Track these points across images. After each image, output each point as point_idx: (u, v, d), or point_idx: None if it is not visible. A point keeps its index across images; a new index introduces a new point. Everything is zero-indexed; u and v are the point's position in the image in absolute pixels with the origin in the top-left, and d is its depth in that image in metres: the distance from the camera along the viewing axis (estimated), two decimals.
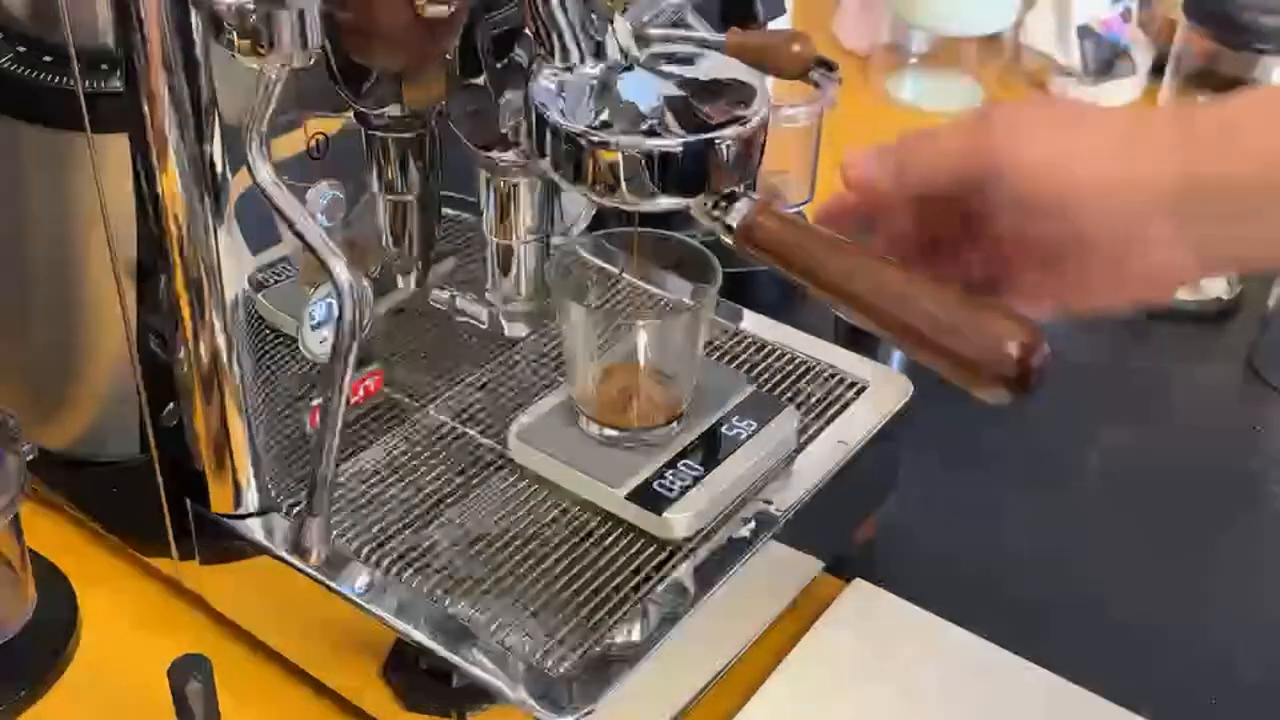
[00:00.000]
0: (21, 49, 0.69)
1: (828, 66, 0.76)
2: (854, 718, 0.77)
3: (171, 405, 0.73)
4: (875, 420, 0.82)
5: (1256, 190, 0.52)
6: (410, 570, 0.72)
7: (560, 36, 0.61)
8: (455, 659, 0.67)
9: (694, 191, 0.60)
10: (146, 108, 0.63)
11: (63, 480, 0.86)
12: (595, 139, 0.59)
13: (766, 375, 0.85)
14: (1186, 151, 0.53)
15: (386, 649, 0.70)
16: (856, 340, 0.94)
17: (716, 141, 0.59)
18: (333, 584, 0.71)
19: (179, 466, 0.75)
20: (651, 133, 0.59)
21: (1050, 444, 0.97)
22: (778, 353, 0.87)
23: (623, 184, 0.60)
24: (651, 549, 0.73)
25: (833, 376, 0.85)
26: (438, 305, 0.75)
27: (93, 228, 0.70)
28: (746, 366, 0.86)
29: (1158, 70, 1.41)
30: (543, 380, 0.85)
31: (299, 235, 0.60)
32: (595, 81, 0.62)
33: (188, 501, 0.76)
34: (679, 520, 0.73)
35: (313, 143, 0.69)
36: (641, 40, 0.65)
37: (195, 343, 0.69)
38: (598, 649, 0.68)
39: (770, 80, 0.67)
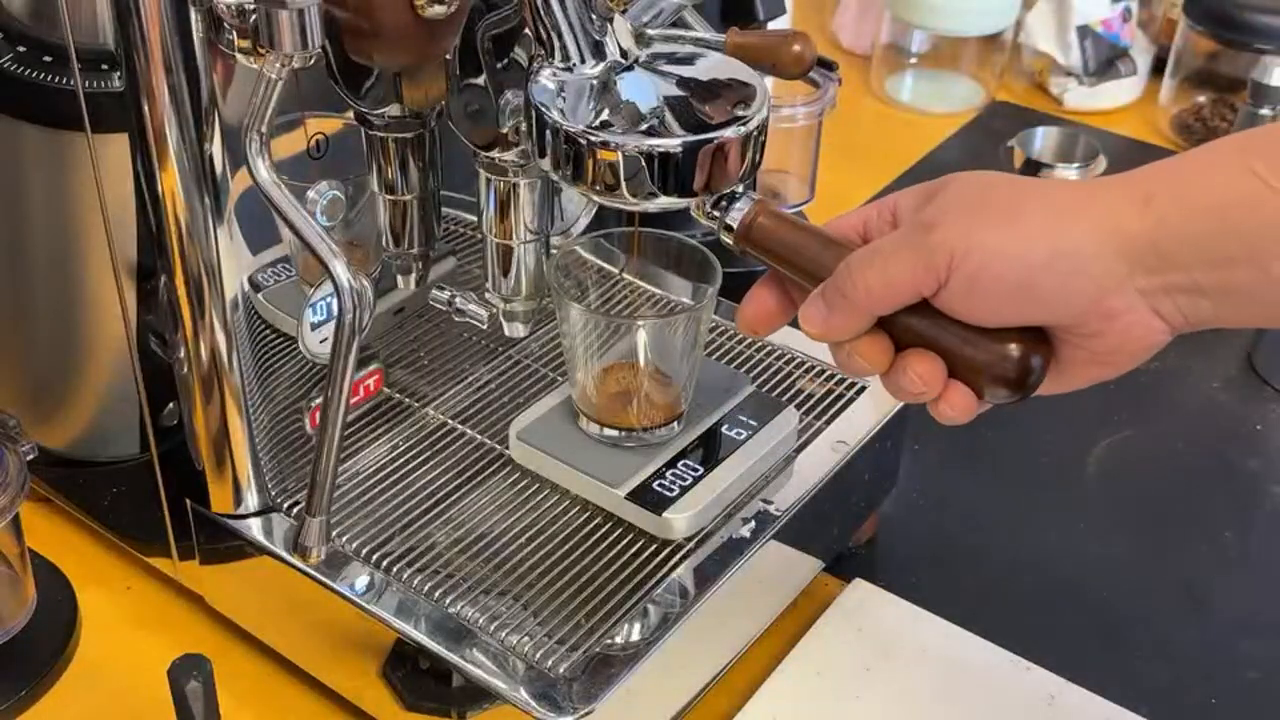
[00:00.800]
0: (21, 49, 0.69)
1: (828, 66, 0.76)
2: (854, 717, 0.77)
3: (171, 405, 0.73)
4: (875, 420, 0.82)
5: (1216, 237, 0.51)
6: (410, 570, 0.72)
7: (560, 36, 0.61)
8: (455, 659, 0.67)
9: (694, 191, 0.60)
10: (146, 108, 0.63)
11: (63, 480, 0.86)
12: (595, 139, 0.59)
13: (766, 375, 0.85)
14: (1148, 206, 0.52)
15: (386, 649, 0.70)
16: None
17: (716, 141, 0.59)
18: (333, 584, 0.71)
19: (179, 466, 0.75)
20: (651, 133, 0.59)
21: (1050, 444, 0.97)
22: (778, 353, 0.87)
23: (623, 184, 0.60)
24: (651, 549, 0.73)
25: (833, 376, 0.85)
26: (438, 305, 0.75)
27: (93, 228, 0.70)
28: (746, 366, 0.86)
29: (1158, 70, 1.41)
30: (543, 380, 0.85)
31: (299, 235, 0.60)
32: (595, 81, 0.62)
33: (188, 501, 0.76)
34: (679, 520, 0.73)
35: (313, 143, 0.69)
36: (641, 40, 0.65)
37: (195, 342, 0.70)
38: (598, 649, 0.68)
39: (770, 80, 0.67)
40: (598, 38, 0.62)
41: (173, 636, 0.82)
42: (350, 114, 0.69)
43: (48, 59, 0.68)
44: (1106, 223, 0.52)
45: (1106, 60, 1.38)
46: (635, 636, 0.69)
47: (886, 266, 0.55)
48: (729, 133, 0.59)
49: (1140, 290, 0.52)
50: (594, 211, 0.77)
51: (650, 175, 0.59)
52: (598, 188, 0.60)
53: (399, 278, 0.75)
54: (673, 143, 0.59)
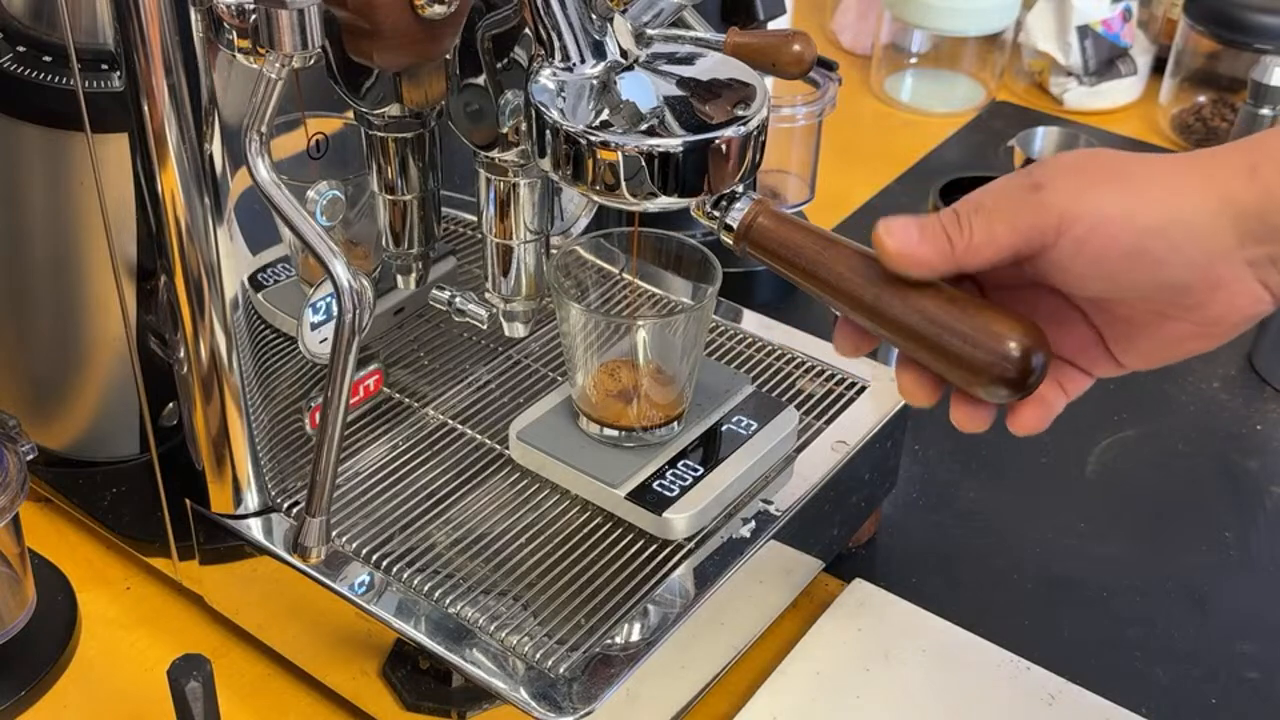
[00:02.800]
0: (21, 49, 0.69)
1: (828, 66, 0.76)
2: (854, 717, 0.77)
3: (171, 405, 0.73)
4: (875, 420, 0.82)
5: None
6: (410, 570, 0.72)
7: (560, 36, 0.61)
8: (455, 659, 0.67)
9: (694, 191, 0.60)
10: (146, 108, 0.63)
11: (63, 480, 0.86)
12: (595, 139, 0.59)
13: (766, 375, 0.85)
14: (1255, 176, 0.52)
15: (386, 649, 0.70)
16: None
17: (716, 141, 0.59)
18: (333, 584, 0.71)
19: (179, 467, 0.75)
20: (651, 133, 0.59)
21: (1050, 444, 0.97)
22: (778, 352, 0.87)
23: (623, 184, 0.60)
24: (651, 549, 0.73)
25: (833, 376, 0.85)
26: (438, 305, 0.75)
27: (93, 228, 0.70)
28: (746, 366, 0.86)
29: (1158, 70, 1.41)
30: (543, 380, 0.85)
31: (299, 235, 0.60)
32: (595, 81, 0.62)
33: (188, 501, 0.76)
34: (679, 520, 0.73)
35: (313, 143, 0.69)
36: (641, 40, 0.65)
37: (195, 342, 0.70)
38: (598, 649, 0.68)
39: (770, 80, 0.67)
40: (598, 38, 0.62)
41: (173, 636, 0.82)
42: (350, 114, 0.69)
43: (48, 59, 0.68)
44: (1216, 192, 0.52)
45: (1106, 60, 1.39)
46: (635, 636, 0.69)
47: (992, 221, 0.53)
48: (729, 133, 0.59)
49: (1247, 260, 0.52)
50: (594, 211, 0.77)
51: (650, 175, 0.59)
52: (598, 188, 0.60)
53: (399, 278, 0.75)
54: (673, 143, 0.59)
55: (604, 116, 0.60)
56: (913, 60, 1.44)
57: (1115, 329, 0.57)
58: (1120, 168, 0.53)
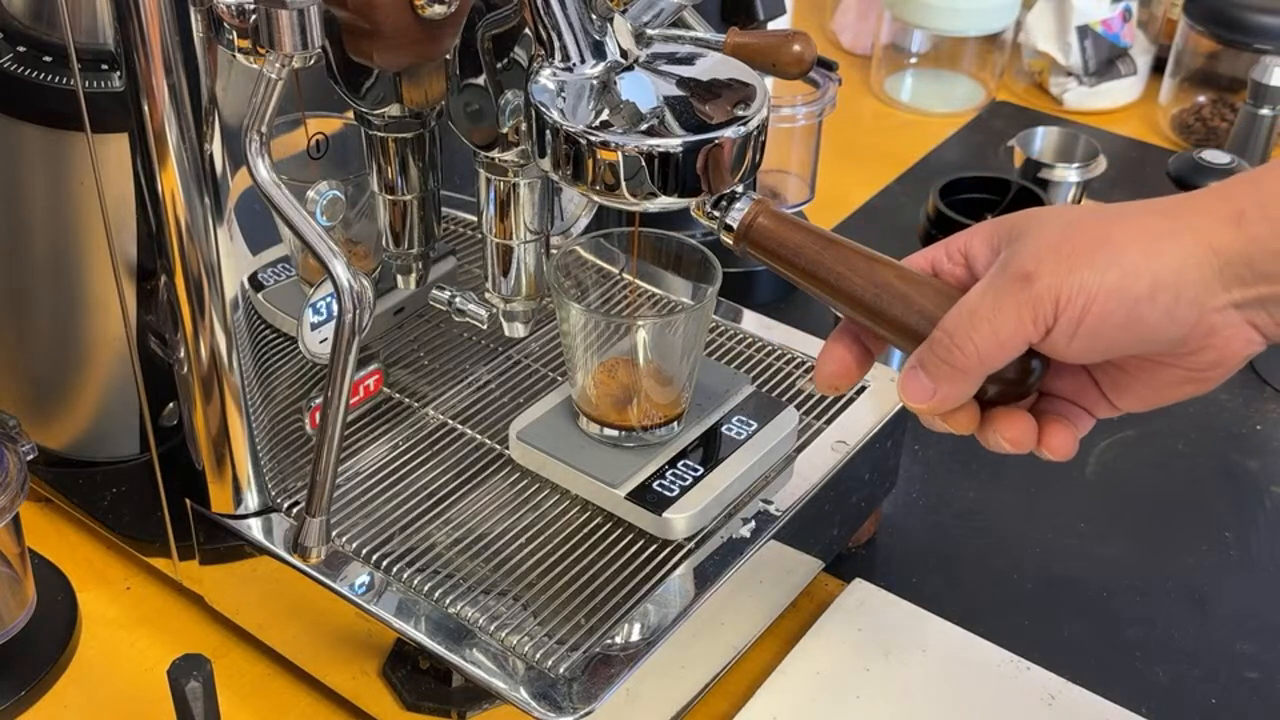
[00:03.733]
0: (21, 49, 0.69)
1: (828, 66, 0.76)
2: (854, 717, 0.77)
3: (171, 405, 0.73)
4: (875, 420, 0.82)
5: None
6: (410, 570, 0.72)
7: (560, 36, 0.61)
8: (455, 659, 0.67)
9: (694, 191, 0.60)
10: (146, 108, 0.63)
11: (63, 480, 0.86)
12: (595, 139, 0.59)
13: (766, 375, 0.85)
14: (1241, 224, 0.52)
15: (386, 649, 0.70)
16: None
17: (716, 141, 0.59)
18: (333, 584, 0.71)
19: (179, 466, 0.75)
20: (651, 133, 0.59)
21: None
22: (778, 352, 0.87)
23: (623, 184, 0.60)
24: (651, 549, 0.73)
25: None
26: (438, 305, 0.75)
27: (93, 228, 0.70)
28: (746, 366, 0.86)
29: (1158, 70, 1.41)
30: (543, 380, 0.85)
31: (299, 235, 0.60)
32: (595, 81, 0.62)
33: (188, 501, 0.76)
34: (679, 520, 0.73)
35: (313, 143, 0.69)
36: (641, 40, 0.65)
37: (195, 343, 0.70)
38: (598, 649, 0.68)
39: (770, 80, 0.67)
40: (598, 38, 0.62)
41: (173, 636, 0.82)
42: (350, 114, 0.69)
43: (48, 59, 0.68)
44: (1201, 243, 0.52)
45: (1106, 60, 1.39)
46: (635, 636, 0.69)
47: (995, 325, 0.54)
48: (729, 133, 0.59)
49: (1236, 305, 0.53)
50: (594, 211, 0.77)
51: (650, 175, 0.59)
52: (598, 188, 0.60)
53: (399, 278, 0.75)
54: (673, 143, 0.59)
55: (604, 116, 0.60)
56: (913, 60, 1.44)
57: (1109, 377, 0.58)
58: (1102, 236, 0.53)
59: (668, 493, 0.73)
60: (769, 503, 0.76)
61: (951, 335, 0.55)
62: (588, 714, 0.65)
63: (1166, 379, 0.56)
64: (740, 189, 0.62)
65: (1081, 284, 0.52)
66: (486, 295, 0.73)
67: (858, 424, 0.82)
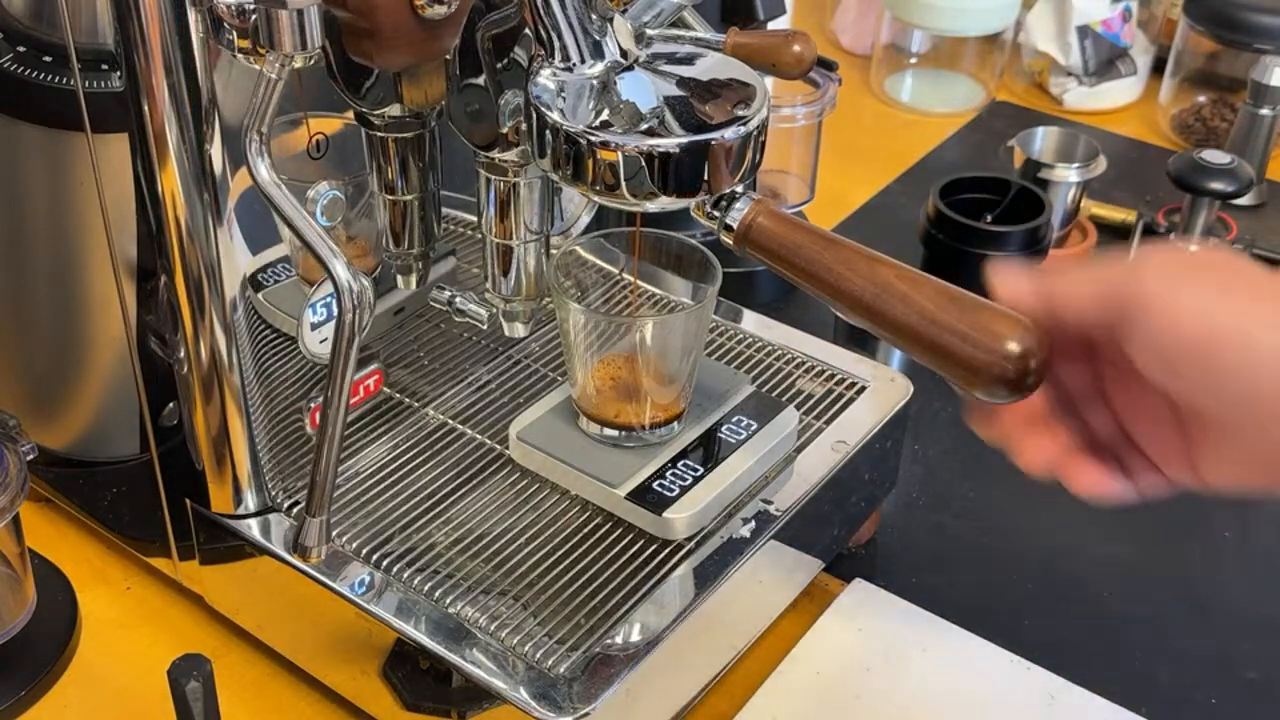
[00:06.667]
0: (21, 49, 0.69)
1: (828, 66, 0.76)
2: (854, 717, 0.77)
3: (171, 405, 0.73)
4: (875, 420, 0.82)
5: None
6: (410, 570, 0.72)
7: (560, 36, 0.61)
8: (455, 659, 0.67)
9: (694, 191, 0.60)
10: (146, 108, 0.63)
11: (63, 480, 0.86)
12: (595, 139, 0.59)
13: (766, 375, 0.85)
14: None
15: (386, 649, 0.70)
16: (856, 340, 0.94)
17: (716, 141, 0.59)
18: (333, 584, 0.71)
19: (179, 466, 0.75)
20: (651, 133, 0.59)
21: None
22: (778, 353, 0.87)
23: (623, 184, 0.60)
24: (651, 549, 0.73)
25: (833, 376, 0.85)
26: (438, 305, 0.75)
27: (93, 228, 0.71)
28: (746, 366, 0.86)
29: (1158, 70, 1.41)
30: (543, 380, 0.85)
31: (299, 235, 0.60)
32: (595, 81, 0.62)
33: (188, 501, 0.76)
34: (679, 520, 0.73)
35: (313, 143, 0.69)
36: (641, 40, 0.65)
37: (195, 342, 0.70)
38: (598, 649, 0.68)
39: (770, 80, 0.67)
40: (598, 38, 0.62)
41: (173, 636, 0.82)
42: (350, 114, 0.69)
43: (48, 59, 0.68)
44: None
45: (1106, 60, 1.39)
46: (635, 636, 0.69)
47: (1087, 275, 0.52)
48: (729, 133, 0.59)
49: None
50: (594, 211, 0.77)
51: (650, 175, 0.59)
52: (598, 188, 0.60)
53: (399, 278, 0.75)
54: (672, 143, 0.59)
55: (604, 116, 0.60)
56: (913, 60, 1.44)
57: (1200, 430, 0.52)
58: (1224, 267, 0.50)
59: (668, 493, 0.73)
60: (769, 503, 0.76)
61: (1064, 267, 0.53)
62: (588, 714, 0.65)
63: (1226, 455, 0.51)
64: (740, 189, 0.62)
65: (1173, 289, 0.49)
66: (486, 295, 0.73)
67: (858, 424, 0.82)
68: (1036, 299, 0.54)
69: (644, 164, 0.59)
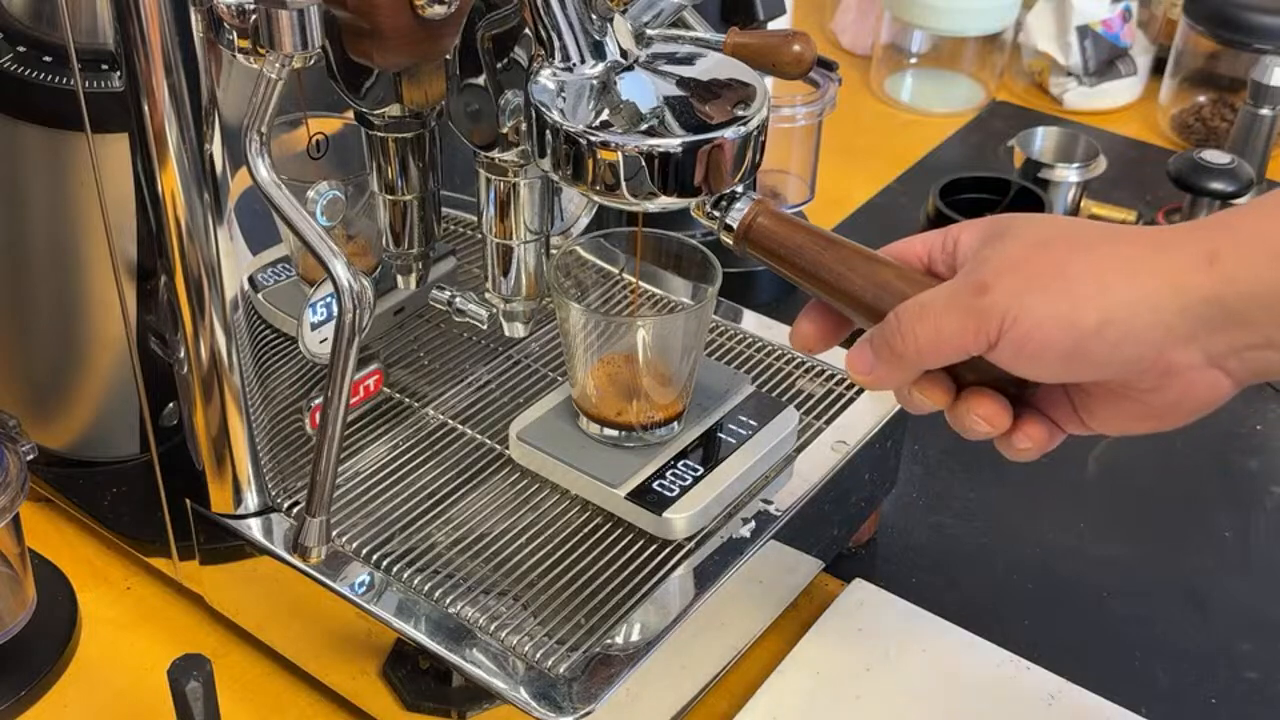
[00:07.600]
0: (21, 49, 0.69)
1: (828, 66, 0.76)
2: (854, 717, 0.77)
3: (171, 405, 0.73)
4: (875, 420, 0.82)
5: None
6: (410, 570, 0.72)
7: (560, 36, 0.61)
8: (455, 659, 0.67)
9: (694, 191, 0.60)
10: (146, 108, 0.63)
11: (63, 480, 0.86)
12: (595, 139, 0.59)
13: (766, 375, 0.85)
14: (1213, 264, 0.50)
15: (386, 649, 0.70)
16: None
17: (716, 141, 0.59)
18: (333, 584, 0.71)
19: (179, 466, 0.75)
20: (651, 133, 0.59)
21: None
22: (778, 353, 0.87)
23: (623, 184, 0.60)
24: (651, 549, 0.73)
25: (832, 376, 0.85)
26: (438, 305, 0.75)
27: (93, 228, 0.70)
28: (746, 366, 0.86)
29: (1158, 70, 1.41)
30: (543, 380, 0.85)
31: (299, 235, 0.60)
32: (595, 81, 0.62)
33: (188, 501, 0.76)
34: (679, 520, 0.73)
35: (313, 143, 0.69)
36: (641, 40, 0.65)
37: (195, 342, 0.70)
38: (598, 649, 0.68)
39: (770, 80, 0.67)
40: (598, 38, 0.62)
41: (173, 636, 0.82)
42: (350, 114, 0.69)
43: (48, 59, 0.68)
44: (1167, 283, 0.51)
45: (1106, 60, 1.38)
46: (635, 636, 0.69)
47: (939, 324, 0.54)
48: (729, 133, 0.59)
49: (1205, 348, 0.52)
50: (594, 211, 0.77)
51: (650, 175, 0.59)
52: (598, 188, 0.60)
53: (399, 278, 0.75)
54: (672, 143, 0.59)
55: (604, 116, 0.60)
56: (913, 60, 1.44)
57: (1079, 395, 0.57)
58: (1062, 263, 0.53)
59: (668, 493, 0.73)
60: (769, 503, 0.76)
61: (900, 321, 0.56)
62: (588, 714, 0.65)
63: (1128, 411, 0.55)
64: (740, 189, 0.62)
65: (1029, 308, 0.52)
66: (486, 295, 0.73)
67: (858, 424, 0.82)
68: (895, 372, 0.57)
69: (644, 164, 0.59)
